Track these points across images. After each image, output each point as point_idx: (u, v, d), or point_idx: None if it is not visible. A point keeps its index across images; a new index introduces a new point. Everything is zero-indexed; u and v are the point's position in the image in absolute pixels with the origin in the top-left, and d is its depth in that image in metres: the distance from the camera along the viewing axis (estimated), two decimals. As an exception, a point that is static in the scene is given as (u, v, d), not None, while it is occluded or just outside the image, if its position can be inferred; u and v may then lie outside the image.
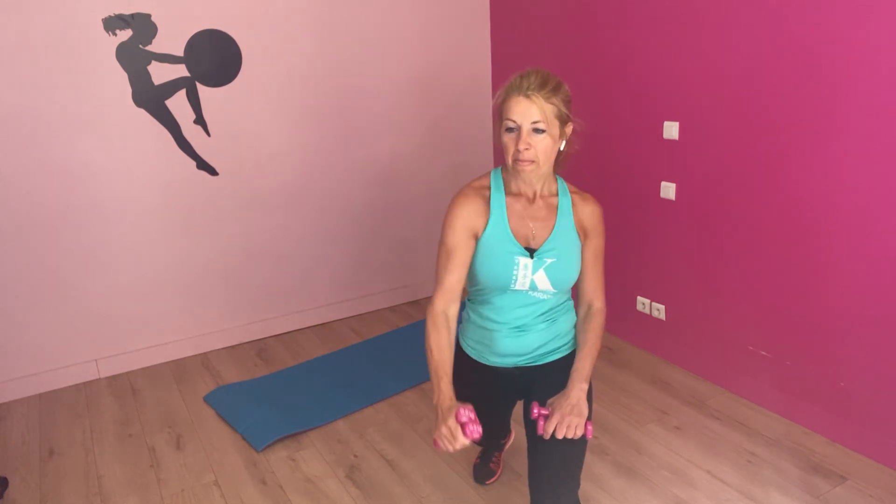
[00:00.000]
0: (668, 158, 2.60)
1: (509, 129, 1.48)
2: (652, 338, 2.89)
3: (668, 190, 2.62)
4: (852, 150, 1.99)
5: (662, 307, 2.79)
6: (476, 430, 1.38)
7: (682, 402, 2.51)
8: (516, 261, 1.56)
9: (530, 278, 1.57)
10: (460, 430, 1.37)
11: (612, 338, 3.06)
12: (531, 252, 1.57)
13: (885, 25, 1.84)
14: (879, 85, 1.89)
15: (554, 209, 1.61)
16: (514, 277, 1.56)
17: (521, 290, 1.59)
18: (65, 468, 2.23)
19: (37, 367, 2.73)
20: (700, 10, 2.35)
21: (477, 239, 1.58)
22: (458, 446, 1.36)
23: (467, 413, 1.39)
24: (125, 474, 2.18)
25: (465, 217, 1.56)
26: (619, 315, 3.00)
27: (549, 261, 1.57)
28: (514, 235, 1.57)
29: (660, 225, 2.71)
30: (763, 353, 2.40)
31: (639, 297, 2.90)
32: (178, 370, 2.91)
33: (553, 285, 1.58)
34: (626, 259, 2.90)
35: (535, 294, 1.60)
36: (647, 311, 2.88)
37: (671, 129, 2.55)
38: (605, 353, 2.91)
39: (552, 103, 1.46)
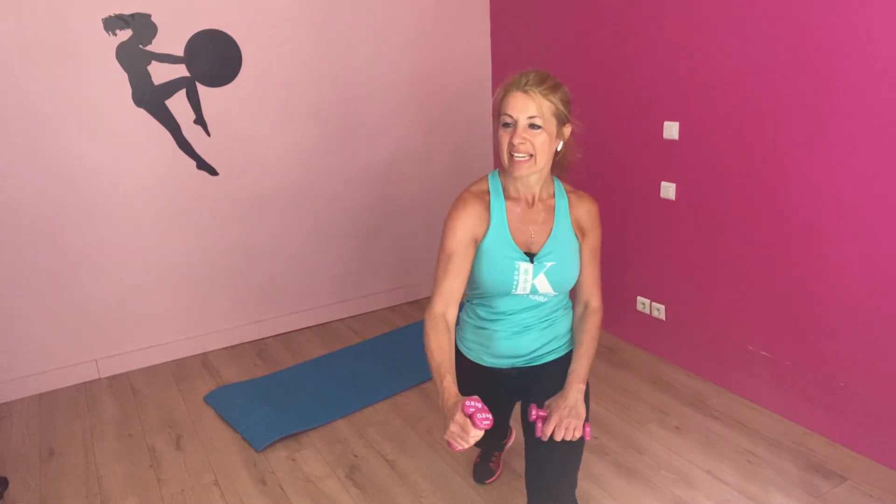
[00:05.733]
0: (668, 158, 2.60)
1: (506, 125, 1.48)
2: (652, 338, 2.89)
3: (668, 190, 2.62)
4: (852, 150, 1.99)
5: (662, 307, 2.79)
6: (486, 419, 1.31)
7: (682, 402, 2.51)
8: (517, 266, 1.55)
9: (531, 283, 1.57)
10: (469, 422, 1.31)
11: (612, 338, 3.06)
12: (531, 257, 1.57)
13: (882, 26, 1.84)
14: (878, 85, 1.89)
15: (552, 212, 1.60)
16: (514, 283, 1.56)
17: (522, 294, 1.59)
18: (65, 468, 2.23)
19: (37, 367, 2.73)
20: (700, 10, 2.35)
21: (477, 244, 1.56)
22: (471, 440, 1.30)
23: (473, 403, 1.32)
24: (125, 474, 2.18)
25: (467, 223, 1.54)
26: (619, 315, 3.00)
27: (548, 264, 1.57)
28: (515, 240, 1.57)
29: (660, 225, 2.71)
30: (763, 353, 2.40)
31: (639, 297, 2.90)
32: (178, 370, 2.91)
33: (553, 288, 1.59)
34: (626, 259, 2.90)
35: (535, 297, 1.60)
36: (647, 311, 2.88)
37: (671, 129, 2.55)
38: (605, 353, 2.92)
39: (550, 100, 1.46)
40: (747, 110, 2.26)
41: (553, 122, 1.48)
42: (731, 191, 2.38)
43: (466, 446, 1.32)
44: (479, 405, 1.33)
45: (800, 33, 2.06)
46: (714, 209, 2.46)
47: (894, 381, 2.02)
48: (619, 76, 2.75)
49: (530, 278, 1.56)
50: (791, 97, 2.12)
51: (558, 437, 1.46)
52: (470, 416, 1.31)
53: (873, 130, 1.93)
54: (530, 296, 1.60)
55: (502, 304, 1.62)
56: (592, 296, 1.67)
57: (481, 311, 1.67)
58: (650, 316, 2.87)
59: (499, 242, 1.56)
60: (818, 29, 2.00)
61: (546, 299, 1.62)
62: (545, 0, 3.06)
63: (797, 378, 2.30)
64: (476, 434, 1.31)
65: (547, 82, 1.46)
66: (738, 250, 2.41)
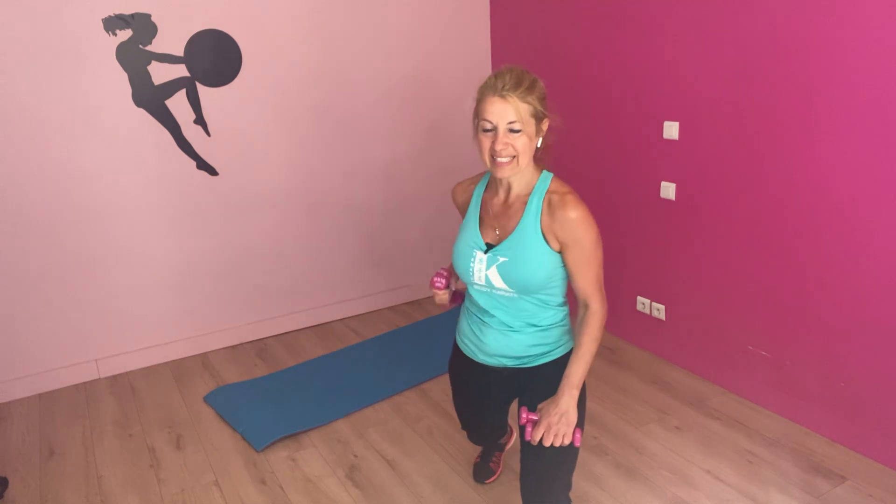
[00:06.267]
0: (668, 158, 2.60)
1: (486, 130, 1.49)
2: (652, 338, 2.89)
3: (668, 190, 2.62)
4: (853, 150, 1.99)
5: (662, 307, 2.79)
6: (437, 281, 1.72)
7: (682, 402, 2.51)
8: (473, 254, 1.59)
9: (485, 273, 1.57)
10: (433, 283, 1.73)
11: (612, 338, 3.06)
12: (490, 248, 1.58)
13: (878, 28, 1.84)
14: (878, 86, 1.89)
15: (524, 209, 1.57)
16: (470, 270, 1.59)
17: (485, 287, 1.59)
18: (65, 468, 2.23)
19: (37, 367, 2.73)
20: (700, 10, 2.35)
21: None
22: (435, 298, 1.76)
23: (440, 271, 1.74)
24: (125, 474, 2.18)
25: (458, 204, 1.75)
26: (619, 315, 3.00)
27: (501, 259, 1.54)
28: (482, 230, 1.60)
29: (660, 225, 2.71)
30: (763, 353, 2.40)
31: (639, 297, 2.90)
32: (178, 370, 2.91)
33: (508, 285, 1.55)
34: (626, 259, 2.90)
35: (500, 293, 1.58)
36: (647, 311, 2.88)
37: (671, 129, 2.55)
38: (605, 353, 2.92)
39: (527, 102, 1.46)
40: (747, 110, 2.26)
41: (532, 123, 1.48)
42: (731, 190, 2.38)
43: (437, 299, 1.77)
44: (441, 271, 1.75)
45: (800, 34, 2.06)
46: (714, 209, 2.46)
47: (894, 381, 2.02)
48: (619, 76, 2.75)
49: (484, 269, 1.57)
50: (792, 97, 2.12)
51: (546, 443, 1.45)
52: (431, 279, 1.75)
53: (873, 132, 1.93)
54: (494, 291, 1.59)
55: (477, 297, 1.63)
56: (590, 298, 1.57)
57: (468, 303, 1.71)
58: (650, 316, 2.87)
59: (467, 227, 1.63)
60: (819, 29, 2.00)
61: (510, 295, 1.57)
62: (545, 0, 3.06)
63: (797, 378, 2.30)
64: (435, 292, 1.74)
65: (523, 83, 1.46)
66: (738, 250, 2.41)
